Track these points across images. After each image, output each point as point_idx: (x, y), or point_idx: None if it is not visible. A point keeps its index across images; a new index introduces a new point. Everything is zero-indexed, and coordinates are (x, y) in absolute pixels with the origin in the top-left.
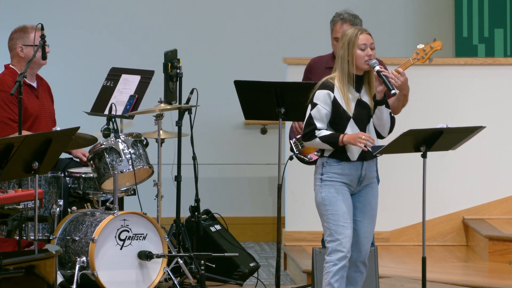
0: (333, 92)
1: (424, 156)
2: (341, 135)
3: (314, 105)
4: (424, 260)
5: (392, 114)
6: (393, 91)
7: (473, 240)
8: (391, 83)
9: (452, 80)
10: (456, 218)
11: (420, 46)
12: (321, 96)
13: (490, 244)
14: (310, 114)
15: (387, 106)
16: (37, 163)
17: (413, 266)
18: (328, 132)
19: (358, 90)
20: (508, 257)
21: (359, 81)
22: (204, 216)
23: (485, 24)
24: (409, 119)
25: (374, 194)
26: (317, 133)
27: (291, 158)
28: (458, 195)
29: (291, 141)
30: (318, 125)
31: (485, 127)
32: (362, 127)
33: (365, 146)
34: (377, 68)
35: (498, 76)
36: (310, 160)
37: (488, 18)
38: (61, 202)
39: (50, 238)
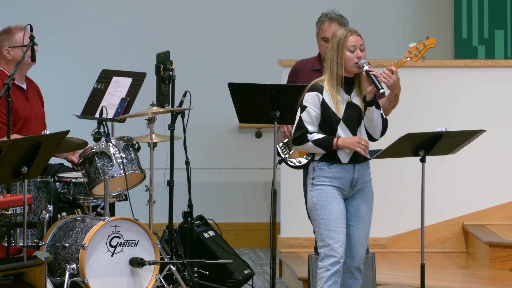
0: (322, 94)
1: (422, 160)
2: (335, 139)
3: (303, 108)
4: (422, 267)
5: (384, 116)
6: (382, 91)
7: (473, 246)
8: (381, 83)
9: (452, 82)
10: (456, 224)
11: (412, 44)
12: (310, 98)
13: (491, 251)
14: (300, 117)
15: (378, 107)
16: (26, 168)
17: (411, 273)
18: (320, 136)
19: (348, 92)
20: (509, 264)
21: (350, 83)
22: (198, 222)
23: (485, 25)
24: (408, 123)
25: (368, 199)
26: (309, 136)
27: (280, 162)
28: (457, 201)
29: (278, 146)
30: (310, 128)
31: (485, 131)
32: (353, 130)
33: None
34: (366, 67)
35: (499, 78)
36: (299, 164)
37: (488, 19)
38: (50, 208)
39: (40, 244)
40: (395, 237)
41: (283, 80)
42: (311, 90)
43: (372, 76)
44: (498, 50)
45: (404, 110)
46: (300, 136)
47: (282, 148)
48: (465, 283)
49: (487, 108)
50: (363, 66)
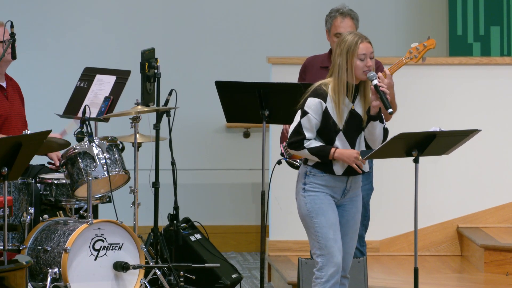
0: (325, 101)
1: (416, 161)
2: (332, 150)
3: (304, 113)
4: (416, 271)
5: (385, 127)
6: (389, 110)
7: (468, 250)
8: (389, 100)
9: (446, 80)
10: (450, 226)
11: (414, 44)
12: (312, 105)
13: (486, 254)
14: (299, 122)
15: (381, 121)
16: (6, 169)
17: (404, 277)
18: (317, 144)
19: (352, 99)
20: (505, 268)
21: (355, 90)
22: (184, 224)
23: (481, 21)
24: (400, 122)
25: (358, 208)
26: (306, 144)
27: (279, 162)
28: (452, 202)
29: (281, 145)
30: (308, 135)
31: (480, 130)
32: (352, 140)
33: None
34: (375, 82)
35: (494, 76)
36: (299, 165)
37: (484, 15)
38: (32, 210)
39: (21, 248)
40: (388, 240)
41: (272, 78)
42: (314, 95)
43: (381, 92)
44: (494, 47)
45: (397, 109)
46: (297, 142)
47: (285, 148)
48: (460, 287)
49: (483, 107)
50: (372, 80)
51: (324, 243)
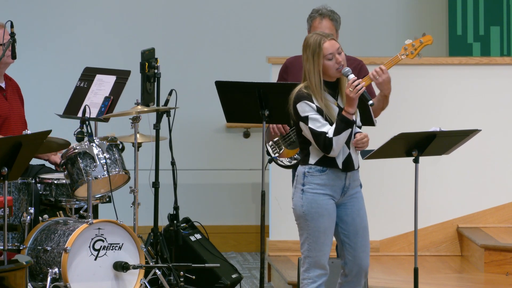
0: (311, 101)
1: (416, 161)
2: (342, 113)
3: (305, 118)
4: (416, 271)
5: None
6: (370, 102)
7: (468, 249)
8: (367, 93)
9: (446, 80)
10: (450, 226)
11: (408, 41)
12: (305, 106)
13: (486, 254)
14: (310, 128)
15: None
16: (6, 169)
17: (404, 277)
18: (333, 127)
19: (334, 96)
20: (505, 268)
21: (333, 87)
22: (184, 224)
23: (481, 21)
24: (400, 122)
25: (362, 204)
26: (329, 135)
27: (270, 161)
28: (452, 202)
29: (267, 144)
30: (325, 129)
31: (480, 130)
32: None
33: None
34: (351, 76)
35: (494, 76)
36: (289, 164)
37: (484, 15)
38: (31, 210)
39: (20, 248)
40: (388, 240)
41: (272, 78)
42: (300, 99)
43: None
44: (494, 47)
45: (397, 109)
46: (325, 143)
47: (272, 147)
48: (459, 287)
49: (483, 107)
50: (348, 75)
51: (313, 246)
